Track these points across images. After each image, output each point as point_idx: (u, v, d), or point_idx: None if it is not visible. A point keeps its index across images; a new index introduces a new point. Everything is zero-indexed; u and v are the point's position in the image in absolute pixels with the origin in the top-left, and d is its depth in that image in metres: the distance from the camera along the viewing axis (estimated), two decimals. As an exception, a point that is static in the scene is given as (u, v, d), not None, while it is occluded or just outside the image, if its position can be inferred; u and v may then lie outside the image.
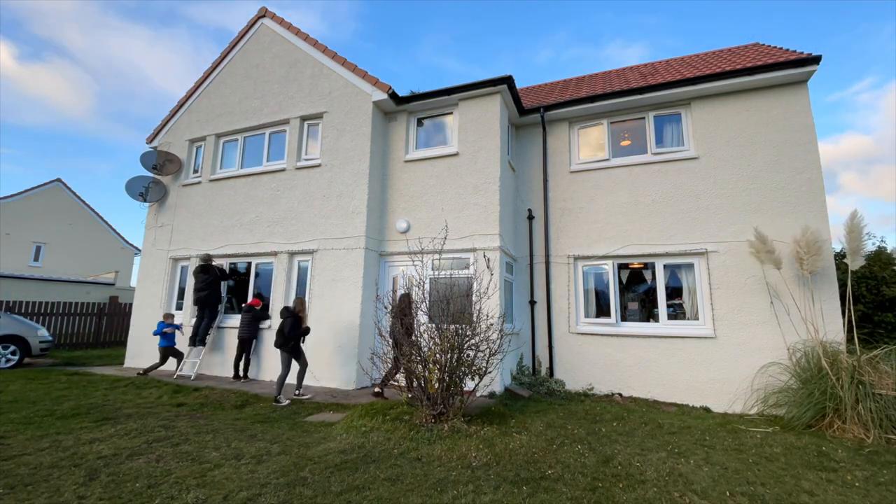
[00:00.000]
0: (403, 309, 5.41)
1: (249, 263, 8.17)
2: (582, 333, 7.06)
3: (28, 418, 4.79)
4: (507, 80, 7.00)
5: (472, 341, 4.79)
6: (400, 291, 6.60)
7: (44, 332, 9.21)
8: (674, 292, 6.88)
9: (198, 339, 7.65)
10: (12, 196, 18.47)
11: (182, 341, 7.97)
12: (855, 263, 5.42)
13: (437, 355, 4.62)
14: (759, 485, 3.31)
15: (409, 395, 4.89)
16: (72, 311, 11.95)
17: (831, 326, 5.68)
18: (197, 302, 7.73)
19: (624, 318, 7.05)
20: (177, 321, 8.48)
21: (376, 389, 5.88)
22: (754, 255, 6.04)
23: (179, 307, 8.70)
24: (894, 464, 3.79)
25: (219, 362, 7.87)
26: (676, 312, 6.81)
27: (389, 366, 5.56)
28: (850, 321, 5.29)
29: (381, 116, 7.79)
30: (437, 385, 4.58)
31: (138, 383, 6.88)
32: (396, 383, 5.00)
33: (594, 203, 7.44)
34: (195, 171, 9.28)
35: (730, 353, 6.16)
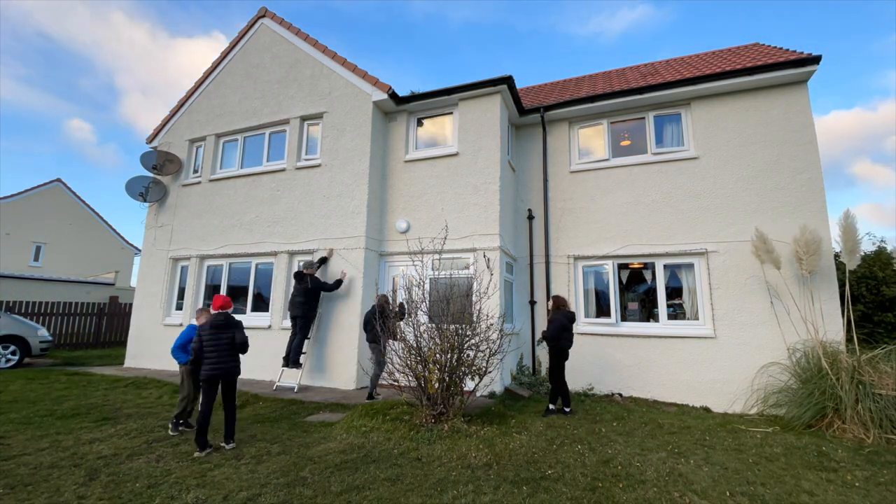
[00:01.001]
0: (383, 309, 5.60)
1: (249, 263, 8.17)
2: (582, 333, 7.06)
3: (28, 418, 4.80)
4: (507, 80, 7.00)
5: (472, 341, 4.79)
6: (388, 292, 6.52)
7: (44, 332, 9.21)
8: (674, 292, 6.88)
9: (290, 360, 6.48)
10: (12, 196, 18.47)
11: (273, 360, 6.98)
12: (852, 263, 5.42)
13: (437, 355, 4.62)
14: (759, 485, 3.31)
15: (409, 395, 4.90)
16: (72, 311, 11.95)
17: (831, 326, 5.68)
18: (291, 309, 6.67)
19: (624, 318, 7.05)
20: (175, 321, 8.47)
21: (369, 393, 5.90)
22: (755, 255, 6.03)
23: (179, 307, 8.70)
24: (894, 464, 3.79)
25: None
26: (676, 312, 6.81)
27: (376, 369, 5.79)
28: (849, 321, 5.30)
29: (381, 116, 7.79)
30: (437, 385, 4.58)
31: (138, 383, 6.88)
32: (396, 383, 4.99)
33: (594, 203, 7.44)
34: (195, 171, 9.28)
35: (730, 353, 6.16)
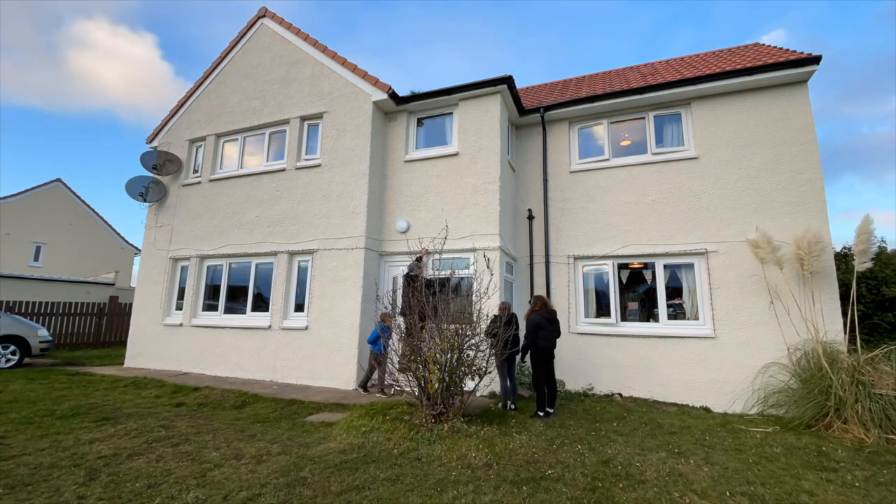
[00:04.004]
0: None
1: (249, 263, 8.17)
2: (582, 333, 7.06)
3: (28, 418, 4.79)
4: (508, 80, 7.00)
5: (472, 341, 4.79)
6: (388, 292, 5.95)
7: (44, 332, 9.20)
8: (674, 292, 6.88)
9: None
10: (12, 196, 18.46)
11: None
12: (862, 266, 5.42)
13: (437, 355, 4.62)
14: (759, 485, 3.31)
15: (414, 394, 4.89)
16: (72, 311, 11.95)
17: (831, 326, 5.68)
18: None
19: (624, 318, 7.05)
20: (175, 321, 8.46)
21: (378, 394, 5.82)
22: (756, 255, 6.02)
23: (179, 307, 8.70)
24: (894, 464, 3.79)
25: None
26: (676, 312, 6.81)
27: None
28: (851, 321, 5.29)
29: (381, 116, 7.79)
30: (437, 385, 4.58)
31: (138, 383, 6.88)
32: (396, 383, 4.99)
33: (594, 203, 7.44)
34: (195, 171, 9.28)
35: (730, 353, 6.16)
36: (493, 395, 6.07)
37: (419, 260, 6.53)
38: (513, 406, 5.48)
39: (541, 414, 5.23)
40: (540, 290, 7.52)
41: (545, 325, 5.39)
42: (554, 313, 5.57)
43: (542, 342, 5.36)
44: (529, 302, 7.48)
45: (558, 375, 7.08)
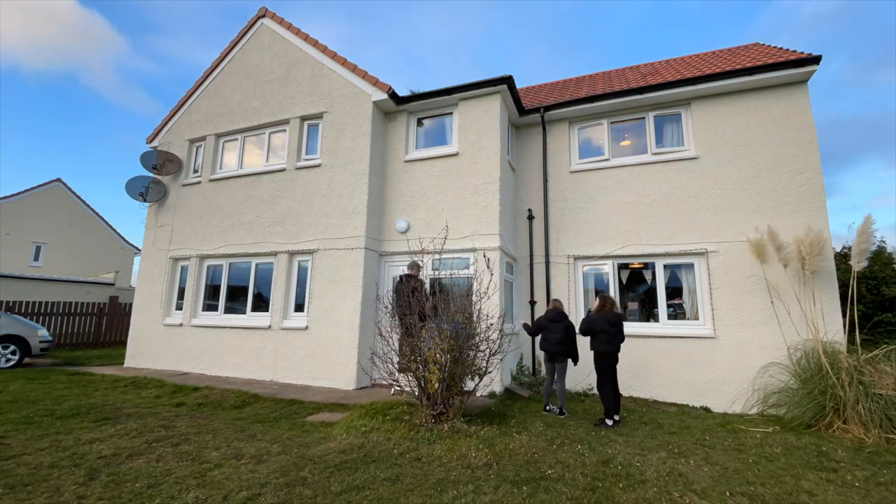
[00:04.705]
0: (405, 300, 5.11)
1: (249, 263, 8.17)
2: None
3: (28, 418, 4.79)
4: (508, 80, 7.00)
5: (472, 341, 4.78)
6: (387, 292, 5.82)
7: (44, 332, 9.20)
8: (674, 292, 6.88)
9: None
10: (12, 196, 18.46)
11: None
12: (859, 265, 5.42)
13: (437, 355, 4.62)
14: (759, 485, 3.31)
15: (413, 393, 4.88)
16: (72, 311, 11.95)
17: (831, 326, 5.68)
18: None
19: (624, 318, 7.04)
20: (175, 321, 8.46)
21: (396, 388, 5.58)
22: (755, 253, 6.00)
23: (179, 307, 8.70)
24: (894, 464, 3.79)
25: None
26: (676, 312, 6.81)
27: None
28: (851, 321, 5.29)
29: (381, 116, 7.79)
30: (437, 385, 4.57)
31: (138, 383, 6.88)
32: (396, 384, 4.98)
33: (594, 203, 7.44)
34: (195, 171, 9.28)
35: (730, 353, 6.16)
36: (492, 395, 6.07)
37: (416, 268, 6.42)
38: (554, 409, 5.45)
39: (609, 423, 4.91)
40: (540, 291, 7.52)
41: (607, 328, 5.03)
42: (619, 317, 5.22)
43: (603, 346, 5.03)
44: (530, 302, 7.51)
45: (558, 375, 7.09)
